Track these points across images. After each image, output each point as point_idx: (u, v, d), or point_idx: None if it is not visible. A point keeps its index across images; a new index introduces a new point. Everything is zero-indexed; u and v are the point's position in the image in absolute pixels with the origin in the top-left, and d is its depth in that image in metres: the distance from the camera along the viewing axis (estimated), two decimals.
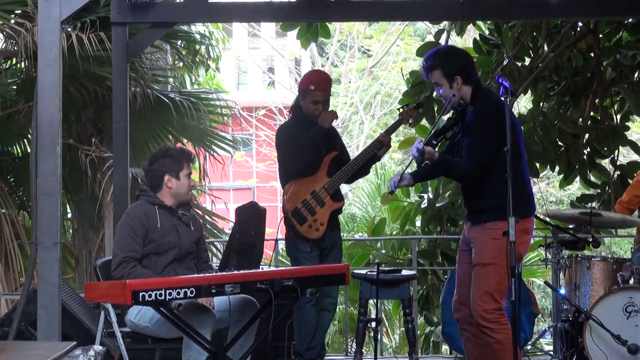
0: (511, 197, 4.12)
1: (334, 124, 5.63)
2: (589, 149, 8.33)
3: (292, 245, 5.49)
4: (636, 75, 8.28)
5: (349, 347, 7.11)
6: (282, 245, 7.62)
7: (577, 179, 8.52)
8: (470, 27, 9.15)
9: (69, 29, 7.03)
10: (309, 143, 5.39)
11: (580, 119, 8.27)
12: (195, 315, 4.44)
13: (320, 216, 5.40)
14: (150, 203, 4.77)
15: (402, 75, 10.29)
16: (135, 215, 4.68)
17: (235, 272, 4.35)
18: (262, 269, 5.08)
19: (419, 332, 8.44)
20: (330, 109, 5.59)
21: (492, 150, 4.42)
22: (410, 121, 6.22)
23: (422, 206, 8.50)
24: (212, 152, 8.52)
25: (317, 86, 5.48)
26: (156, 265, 4.68)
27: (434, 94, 8.14)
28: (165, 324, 4.35)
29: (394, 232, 10.11)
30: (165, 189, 4.82)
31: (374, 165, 5.98)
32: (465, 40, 13.05)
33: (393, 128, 5.65)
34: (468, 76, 4.62)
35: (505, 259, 4.15)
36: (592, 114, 8.29)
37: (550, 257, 5.68)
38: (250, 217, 5.95)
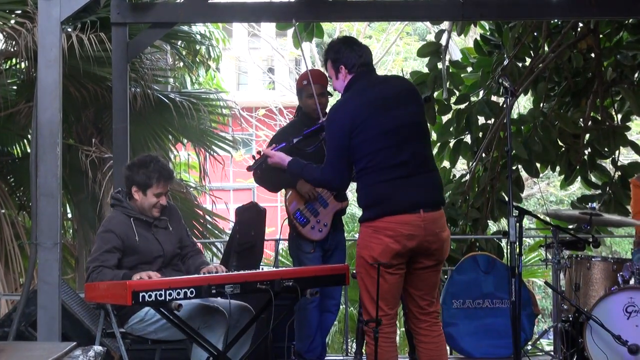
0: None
1: None
2: (589, 150, 8.33)
3: (296, 246, 5.45)
4: (637, 75, 8.28)
5: (349, 347, 7.10)
6: (282, 245, 7.62)
7: (578, 179, 8.52)
8: (472, 27, 9.13)
9: (69, 30, 7.03)
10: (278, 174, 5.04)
11: (581, 120, 8.26)
12: (204, 319, 4.39)
13: (323, 217, 5.36)
14: (125, 215, 4.60)
15: (403, 74, 10.27)
16: (112, 230, 4.50)
17: (236, 272, 4.34)
18: (262, 269, 5.08)
19: None
20: (330, 107, 5.58)
21: (341, 153, 4.13)
22: None
23: None
24: (212, 152, 8.52)
25: (309, 80, 5.50)
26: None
27: (435, 94, 8.19)
28: (170, 328, 4.32)
29: None
30: (133, 199, 4.65)
31: None
32: (466, 40, 13.05)
33: None
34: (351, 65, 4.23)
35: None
36: (592, 114, 8.28)
37: (550, 257, 5.68)
38: (251, 217, 5.96)
